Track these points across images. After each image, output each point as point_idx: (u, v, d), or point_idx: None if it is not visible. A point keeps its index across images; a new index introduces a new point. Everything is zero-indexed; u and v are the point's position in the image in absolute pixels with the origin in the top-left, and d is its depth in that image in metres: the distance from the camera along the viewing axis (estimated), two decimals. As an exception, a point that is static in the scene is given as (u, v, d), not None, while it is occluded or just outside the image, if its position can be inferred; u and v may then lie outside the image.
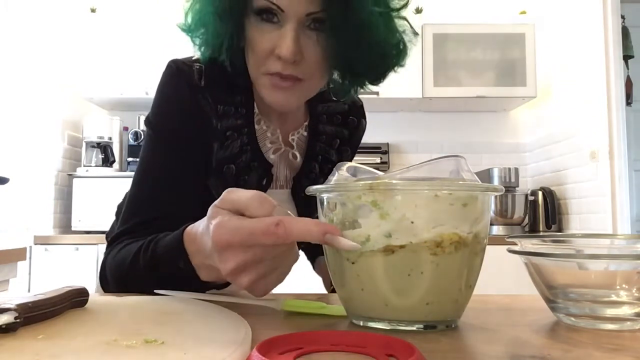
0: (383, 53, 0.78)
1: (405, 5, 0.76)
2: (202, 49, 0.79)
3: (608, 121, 2.52)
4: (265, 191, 0.84)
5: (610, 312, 0.52)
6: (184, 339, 0.41)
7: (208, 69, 0.81)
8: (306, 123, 0.91)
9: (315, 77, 0.76)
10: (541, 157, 3.14)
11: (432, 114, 3.33)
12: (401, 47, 0.79)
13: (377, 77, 0.83)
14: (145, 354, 0.37)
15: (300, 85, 0.75)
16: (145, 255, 0.67)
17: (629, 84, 3.03)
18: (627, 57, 2.84)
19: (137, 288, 0.67)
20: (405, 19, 0.78)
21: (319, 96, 0.89)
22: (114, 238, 0.77)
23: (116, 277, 0.73)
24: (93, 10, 2.97)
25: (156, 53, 2.88)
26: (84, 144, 2.92)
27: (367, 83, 0.84)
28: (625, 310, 0.51)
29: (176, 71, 0.80)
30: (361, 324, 0.52)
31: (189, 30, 0.79)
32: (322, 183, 0.61)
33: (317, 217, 0.55)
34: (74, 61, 2.93)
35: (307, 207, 0.87)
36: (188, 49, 0.82)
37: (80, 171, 2.83)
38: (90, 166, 2.89)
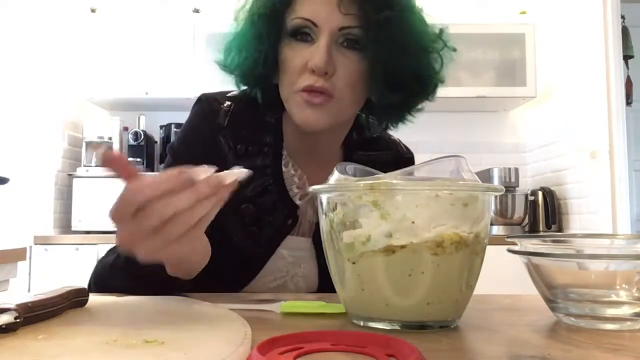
0: (419, 75, 0.77)
1: (442, 33, 0.79)
2: (238, 82, 0.81)
3: (608, 121, 2.51)
4: (289, 232, 0.83)
5: (610, 312, 0.52)
6: (184, 339, 0.41)
7: (238, 107, 0.82)
8: None
9: (346, 96, 0.75)
10: (541, 157, 3.13)
11: (432, 114, 3.31)
12: (435, 71, 0.79)
13: (410, 104, 0.82)
14: (145, 354, 0.37)
15: (331, 104, 0.74)
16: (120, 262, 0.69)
17: (629, 84, 3.02)
18: (627, 57, 2.83)
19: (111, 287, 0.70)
20: (445, 44, 0.79)
21: (357, 143, 0.88)
22: (111, 249, 0.78)
23: (94, 278, 0.77)
24: (93, 10, 2.97)
25: (156, 53, 2.89)
26: (84, 144, 2.92)
27: (403, 112, 0.83)
28: (625, 310, 0.51)
29: (203, 108, 0.82)
30: (361, 324, 0.52)
31: (228, 64, 0.80)
32: None
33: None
34: (74, 61, 2.92)
35: None
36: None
37: (80, 171, 2.82)
38: (90, 166, 2.88)
